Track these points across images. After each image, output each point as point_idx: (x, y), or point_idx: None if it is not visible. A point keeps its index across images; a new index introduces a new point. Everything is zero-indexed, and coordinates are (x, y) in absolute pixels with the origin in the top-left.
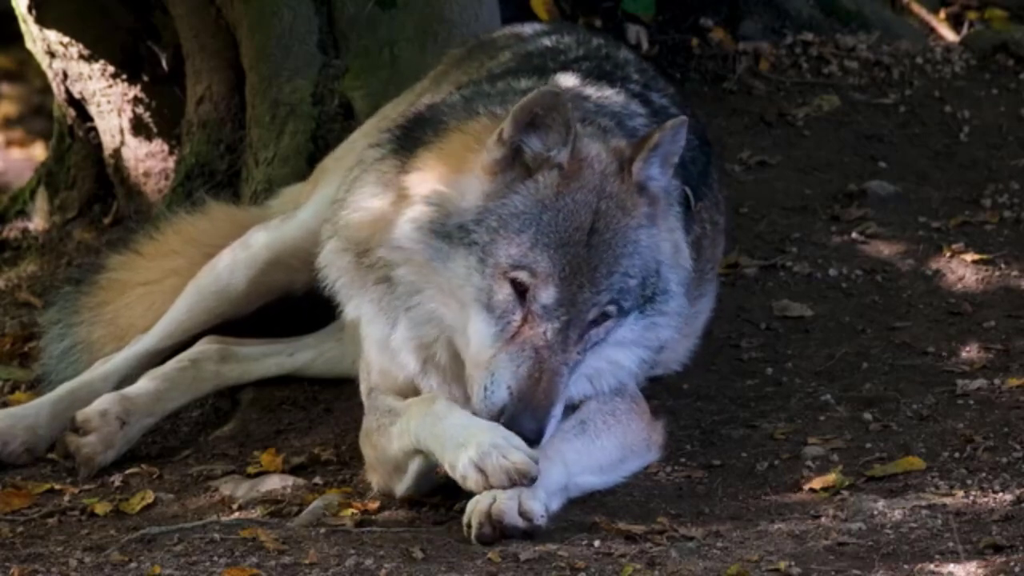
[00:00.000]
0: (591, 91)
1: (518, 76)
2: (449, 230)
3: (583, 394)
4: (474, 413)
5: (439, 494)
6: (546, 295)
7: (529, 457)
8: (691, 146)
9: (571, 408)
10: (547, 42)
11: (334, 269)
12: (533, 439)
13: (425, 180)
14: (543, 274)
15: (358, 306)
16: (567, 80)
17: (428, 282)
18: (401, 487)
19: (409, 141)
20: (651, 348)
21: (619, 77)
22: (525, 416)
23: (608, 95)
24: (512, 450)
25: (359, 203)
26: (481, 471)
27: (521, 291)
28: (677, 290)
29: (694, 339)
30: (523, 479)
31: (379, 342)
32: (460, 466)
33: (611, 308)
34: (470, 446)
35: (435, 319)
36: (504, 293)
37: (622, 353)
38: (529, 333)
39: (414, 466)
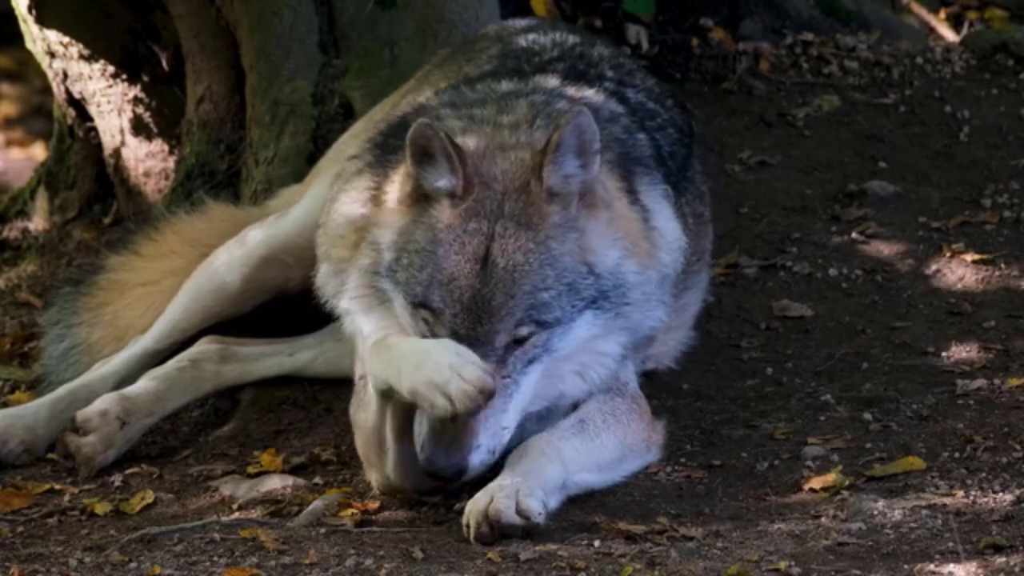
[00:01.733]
0: (572, 91)
1: (498, 78)
2: (381, 270)
3: (579, 390)
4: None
5: (439, 493)
6: (444, 332)
7: (484, 372)
8: (671, 140)
9: (573, 407)
10: (523, 43)
11: (328, 290)
12: (449, 477)
13: (378, 214)
14: (437, 312)
15: (353, 321)
16: (548, 82)
17: (390, 319)
18: (389, 464)
19: (386, 150)
20: (630, 331)
21: (595, 76)
22: (438, 454)
23: (587, 95)
24: (467, 366)
25: (338, 228)
26: (444, 395)
27: (432, 327)
28: (636, 279)
29: (684, 330)
30: (483, 395)
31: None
32: (422, 390)
33: (525, 328)
34: (426, 367)
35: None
36: (422, 329)
37: (602, 342)
38: None
39: (389, 422)
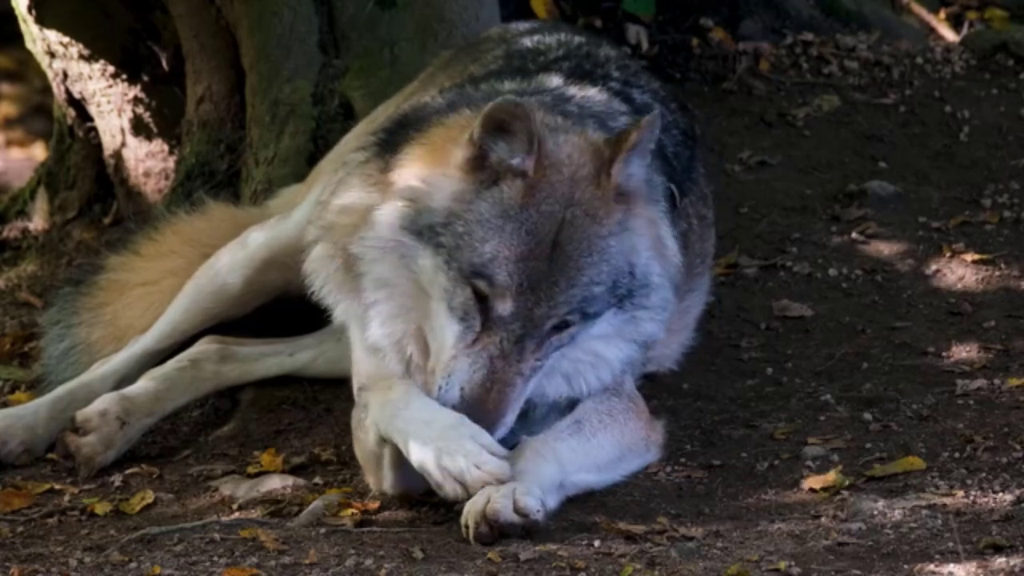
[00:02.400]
0: (574, 91)
1: (501, 78)
2: (419, 228)
3: (559, 394)
4: None
5: (437, 494)
6: (502, 307)
7: (502, 462)
8: (675, 141)
9: (569, 407)
10: (528, 43)
11: (321, 275)
12: None
13: (404, 175)
14: (500, 287)
15: (346, 310)
16: (550, 81)
17: (400, 277)
18: (386, 482)
19: (393, 142)
20: (635, 342)
21: (600, 75)
22: (472, 420)
23: (590, 95)
24: (485, 456)
25: (345, 206)
26: (459, 482)
27: (481, 298)
28: (659, 282)
29: (687, 333)
30: (499, 483)
31: (365, 344)
32: (434, 473)
33: (572, 317)
34: (439, 450)
35: (403, 313)
36: (465, 297)
37: (605, 346)
38: (487, 341)
39: (387, 455)
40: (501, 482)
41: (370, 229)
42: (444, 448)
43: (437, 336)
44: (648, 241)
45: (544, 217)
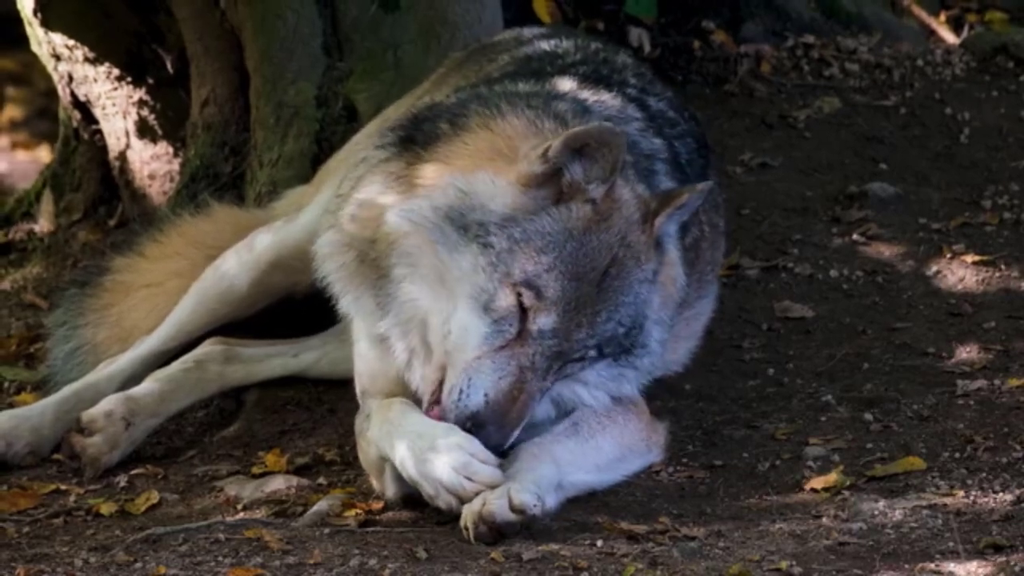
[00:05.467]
0: (587, 95)
1: (515, 79)
2: (467, 223)
3: (546, 415)
4: (443, 411)
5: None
6: (546, 321)
7: (494, 469)
8: (689, 149)
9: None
10: (545, 46)
11: (332, 263)
12: (493, 449)
13: (449, 171)
14: (549, 300)
15: (353, 301)
16: (564, 84)
17: (423, 262)
18: (388, 491)
19: (416, 139)
20: (612, 394)
21: (616, 81)
22: (493, 428)
23: (604, 99)
24: (476, 466)
25: (365, 200)
26: (452, 493)
27: (523, 307)
28: (656, 348)
29: (694, 340)
30: (490, 489)
31: (370, 338)
32: (426, 486)
33: (594, 353)
34: (431, 464)
35: (416, 300)
36: (507, 303)
37: (586, 392)
38: (519, 350)
39: (388, 469)
40: (492, 488)
41: (409, 204)
42: (435, 460)
43: (456, 332)
44: (660, 301)
45: (602, 246)
